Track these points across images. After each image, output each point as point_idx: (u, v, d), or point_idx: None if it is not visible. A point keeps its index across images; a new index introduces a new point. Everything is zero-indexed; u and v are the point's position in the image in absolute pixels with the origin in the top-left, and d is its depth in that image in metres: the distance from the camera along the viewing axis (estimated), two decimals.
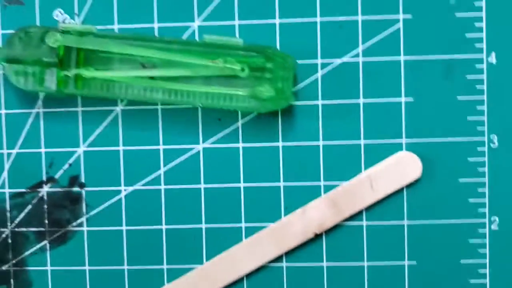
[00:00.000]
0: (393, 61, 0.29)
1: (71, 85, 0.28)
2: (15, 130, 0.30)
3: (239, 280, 0.30)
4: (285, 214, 0.29)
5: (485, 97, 0.29)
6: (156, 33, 0.29)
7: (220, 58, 0.28)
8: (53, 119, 0.30)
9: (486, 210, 0.29)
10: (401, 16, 0.29)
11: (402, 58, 0.29)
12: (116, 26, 0.30)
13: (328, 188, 0.29)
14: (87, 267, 0.30)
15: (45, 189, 0.30)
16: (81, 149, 0.30)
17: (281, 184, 0.29)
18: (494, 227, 0.29)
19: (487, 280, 0.29)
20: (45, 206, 0.30)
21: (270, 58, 0.28)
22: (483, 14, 0.29)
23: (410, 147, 0.29)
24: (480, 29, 0.29)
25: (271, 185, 0.29)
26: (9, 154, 0.30)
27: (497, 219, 0.29)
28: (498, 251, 0.29)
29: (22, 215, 0.30)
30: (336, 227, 0.29)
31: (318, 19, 0.29)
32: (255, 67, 0.28)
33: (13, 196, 0.30)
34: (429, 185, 0.29)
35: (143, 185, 0.30)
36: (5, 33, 0.30)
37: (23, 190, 0.30)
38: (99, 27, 0.29)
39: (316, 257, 0.29)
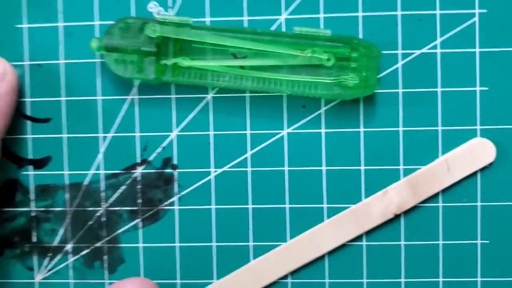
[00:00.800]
0: (469, 53, 0.31)
1: (168, 73, 0.30)
2: (111, 115, 0.32)
3: (321, 257, 0.32)
4: (365, 197, 0.31)
5: None
6: (245, 26, 0.31)
7: (309, 49, 0.30)
8: (148, 105, 0.32)
9: None
10: (477, 11, 0.31)
11: (477, 50, 0.31)
12: (207, 19, 0.31)
13: (407, 172, 0.31)
14: (177, 244, 0.32)
15: (139, 170, 0.32)
16: (174, 134, 0.32)
17: (362, 168, 0.31)
18: None
19: None
20: (139, 187, 0.32)
21: (355, 48, 0.30)
22: None
23: (485, 134, 0.31)
24: None
25: (353, 168, 0.31)
26: (104, 138, 0.32)
27: None
28: None
29: (116, 195, 0.32)
30: (414, 208, 0.31)
31: (399, 12, 0.31)
32: (341, 56, 0.30)
33: (107, 177, 0.32)
34: (502, 168, 0.31)
35: (231, 167, 0.32)
36: (102, 24, 0.32)
37: (118, 171, 0.32)
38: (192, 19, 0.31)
39: (394, 236, 0.31)
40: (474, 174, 0.31)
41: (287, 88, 0.30)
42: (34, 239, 0.33)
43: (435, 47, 0.31)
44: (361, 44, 0.30)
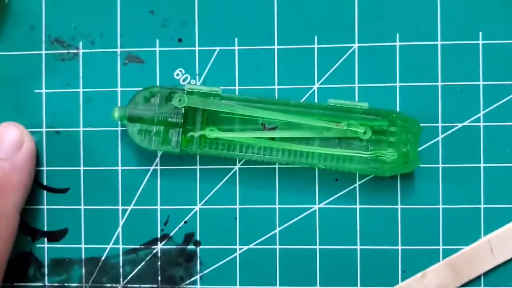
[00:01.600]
0: None
1: (195, 145, 0.29)
2: (132, 186, 0.30)
3: None
4: (402, 279, 0.29)
5: None
6: (276, 95, 0.30)
7: (344, 121, 0.28)
8: (171, 176, 0.30)
9: None
10: None
11: None
12: (237, 88, 0.30)
13: (447, 253, 0.29)
14: None
15: (159, 246, 0.30)
16: (197, 207, 0.30)
17: (399, 247, 0.29)
18: None
19: None
20: (159, 263, 0.30)
21: (393, 122, 0.28)
22: None
23: None
24: None
25: (389, 248, 0.29)
26: (124, 210, 0.30)
27: None
28: None
29: (135, 271, 0.30)
30: None
31: (439, 83, 0.29)
32: (378, 130, 0.28)
33: (126, 252, 0.30)
34: None
35: (258, 244, 0.30)
36: (124, 91, 0.30)
37: (137, 246, 0.30)
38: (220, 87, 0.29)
39: None
40: None
41: (319, 161, 0.29)
42: None
43: (478, 120, 0.29)
44: (400, 117, 0.28)
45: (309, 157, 0.29)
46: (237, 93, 0.30)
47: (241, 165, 0.30)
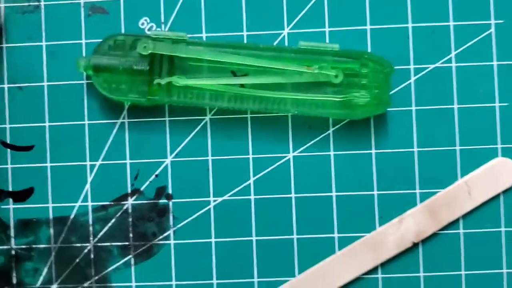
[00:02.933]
0: (487, 66, 0.29)
1: (162, 94, 0.28)
2: (99, 141, 0.30)
3: None
4: (380, 224, 0.29)
5: None
6: (245, 41, 0.29)
7: (315, 65, 0.28)
8: (139, 129, 0.30)
9: None
10: (493, 21, 0.29)
11: (495, 62, 0.29)
12: (204, 35, 0.29)
13: (424, 196, 0.29)
14: (174, 282, 0.29)
15: (130, 202, 0.29)
16: (168, 160, 0.29)
17: (375, 192, 0.29)
18: None
19: None
20: (130, 219, 0.30)
21: (365, 64, 0.28)
22: None
23: (506, 153, 0.29)
24: None
25: (365, 193, 0.29)
26: (92, 166, 0.29)
27: None
28: None
29: (105, 229, 0.30)
30: (433, 236, 0.29)
31: (410, 24, 0.29)
32: (350, 73, 0.28)
33: (95, 209, 0.30)
34: None
35: (232, 195, 0.29)
36: (89, 42, 0.29)
37: (107, 203, 0.29)
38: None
39: (412, 267, 0.29)
40: (496, 196, 0.29)
41: (292, 107, 0.28)
42: (14, 280, 0.30)
43: (449, 60, 0.29)
44: (372, 59, 0.28)
45: (281, 104, 0.28)
46: (204, 40, 0.29)
47: (212, 115, 0.30)
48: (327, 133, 0.29)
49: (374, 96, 0.28)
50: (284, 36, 0.29)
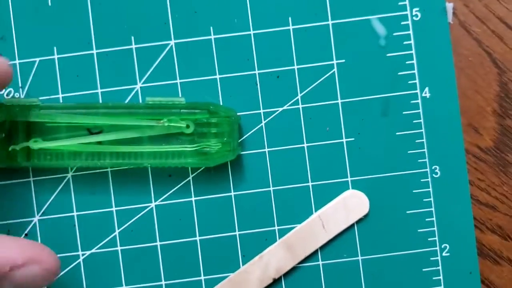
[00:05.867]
0: (332, 104, 0.31)
1: (21, 158, 0.29)
2: None
3: None
4: (243, 263, 0.31)
5: (423, 130, 0.31)
6: (100, 98, 0.31)
7: (165, 118, 0.29)
8: (5, 191, 0.31)
9: (436, 238, 0.31)
10: (334, 62, 0.31)
11: (339, 101, 0.31)
12: (60, 95, 0.31)
13: (283, 232, 0.31)
14: None
15: None
16: (36, 218, 0.31)
17: (237, 233, 0.31)
18: (445, 254, 0.31)
19: None
20: None
21: (213, 113, 0.29)
22: (413, 51, 0.31)
23: (357, 185, 0.31)
24: (411, 66, 0.31)
25: (227, 235, 0.31)
26: None
27: (448, 246, 0.31)
28: (451, 277, 0.31)
29: None
30: (293, 269, 0.31)
31: (256, 71, 0.31)
32: (200, 123, 0.30)
33: None
34: (378, 219, 0.31)
35: (100, 248, 0.31)
36: None
37: None
38: (43, 97, 0.30)
39: None
40: (351, 228, 0.31)
41: (148, 160, 0.30)
42: None
43: (296, 102, 0.31)
44: (219, 109, 0.30)
45: (138, 157, 0.30)
46: (61, 101, 0.31)
47: (73, 172, 0.31)
48: (186, 180, 0.31)
49: (225, 143, 0.30)
50: (137, 91, 0.31)
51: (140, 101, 0.31)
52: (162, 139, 0.30)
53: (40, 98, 0.31)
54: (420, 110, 0.31)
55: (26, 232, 0.31)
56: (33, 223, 0.31)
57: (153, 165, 0.30)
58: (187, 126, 0.30)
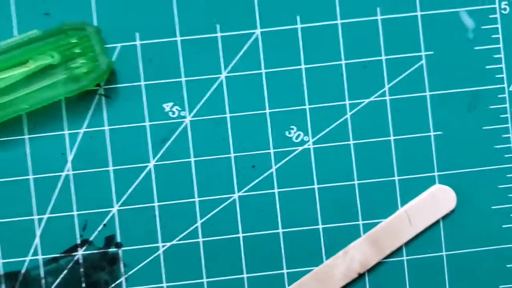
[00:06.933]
0: (419, 97, 0.30)
1: None
2: (45, 193, 0.30)
3: None
4: (327, 258, 0.30)
5: (509, 125, 0.30)
6: (184, 88, 0.30)
7: (29, 58, 0.29)
8: (84, 180, 0.30)
9: None
10: (423, 53, 0.30)
11: (428, 93, 0.30)
12: (142, 83, 0.30)
13: (367, 227, 0.30)
14: None
15: (80, 252, 0.30)
16: (115, 208, 0.30)
17: (320, 226, 0.30)
18: None
19: None
20: (81, 270, 0.30)
21: (71, 35, 0.29)
22: (501, 45, 0.30)
23: (443, 180, 0.30)
24: (499, 60, 0.30)
25: (310, 228, 0.30)
26: (40, 220, 0.30)
27: None
28: None
29: (57, 281, 0.30)
30: (377, 264, 0.30)
31: (343, 61, 0.30)
32: (63, 49, 0.29)
33: (46, 262, 0.30)
34: (463, 214, 0.31)
35: (180, 239, 0.30)
36: None
37: (57, 255, 0.30)
38: (126, 84, 0.30)
39: None
40: (436, 223, 0.30)
41: (25, 104, 0.29)
42: None
43: (383, 94, 0.30)
44: (73, 26, 0.29)
45: (13, 104, 0.29)
46: (143, 90, 0.30)
47: (155, 162, 0.30)
48: (269, 171, 0.31)
49: (91, 58, 0.29)
50: (222, 80, 0.31)
51: (225, 91, 0.31)
52: (36, 78, 0.29)
53: (122, 85, 0.30)
54: (507, 105, 0.31)
55: (104, 222, 0.31)
56: (111, 213, 0.31)
57: (33, 107, 0.29)
58: (52, 56, 0.29)
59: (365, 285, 0.31)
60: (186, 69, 0.30)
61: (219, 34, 0.31)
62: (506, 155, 0.31)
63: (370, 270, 0.31)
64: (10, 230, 0.30)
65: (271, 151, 0.30)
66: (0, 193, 0.30)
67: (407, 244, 0.31)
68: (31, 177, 0.30)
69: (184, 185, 0.31)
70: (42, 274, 0.31)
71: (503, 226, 0.31)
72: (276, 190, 0.31)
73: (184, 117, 0.30)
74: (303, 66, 0.31)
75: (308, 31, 0.31)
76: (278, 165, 0.31)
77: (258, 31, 0.31)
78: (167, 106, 0.30)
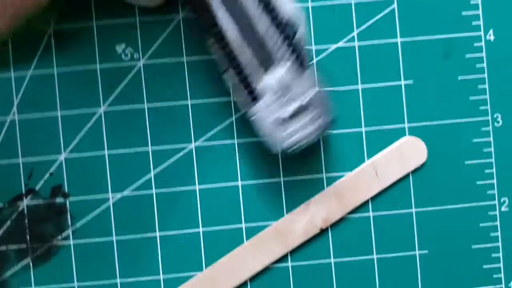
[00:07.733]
0: (390, 43, 0.29)
1: None
2: None
3: (243, 285, 0.29)
4: (287, 211, 0.29)
5: (486, 75, 0.29)
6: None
7: None
8: (30, 126, 0.28)
9: (495, 191, 0.29)
10: None
11: (399, 40, 0.29)
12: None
13: (331, 180, 0.29)
14: (75, 284, 0.28)
15: (25, 202, 0.28)
16: (62, 156, 0.28)
17: (281, 179, 0.29)
18: (504, 208, 0.29)
19: (501, 264, 0.29)
20: (26, 221, 0.28)
21: None
22: None
23: (413, 131, 0.29)
24: (476, 7, 0.29)
25: (271, 181, 0.29)
26: None
27: (507, 200, 0.29)
28: (509, 233, 0.29)
29: (0, 232, 0.28)
30: (341, 220, 0.29)
31: (309, 4, 0.28)
32: None
33: None
34: (434, 169, 0.29)
35: (133, 190, 0.28)
36: None
37: (0, 205, 0.28)
38: None
39: (322, 253, 0.29)
40: (405, 177, 0.29)
41: None
42: None
43: (352, 39, 0.29)
44: None
45: None
46: None
47: (106, 107, 0.28)
48: (229, 121, 0.29)
49: None
50: None
51: (182, 34, 0.29)
52: None
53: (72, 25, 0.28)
54: (484, 54, 0.29)
55: (51, 171, 0.29)
56: (59, 161, 0.29)
57: None
58: None
59: (328, 241, 0.29)
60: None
61: None
62: (481, 107, 0.29)
63: (333, 226, 0.29)
64: None
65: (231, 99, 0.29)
66: None
67: (373, 199, 0.29)
68: None
69: (137, 133, 0.29)
70: None
71: (477, 182, 0.29)
72: (235, 141, 0.29)
73: (137, 59, 0.29)
74: None
75: None
76: (239, 114, 0.29)
77: None
78: (119, 48, 0.29)
